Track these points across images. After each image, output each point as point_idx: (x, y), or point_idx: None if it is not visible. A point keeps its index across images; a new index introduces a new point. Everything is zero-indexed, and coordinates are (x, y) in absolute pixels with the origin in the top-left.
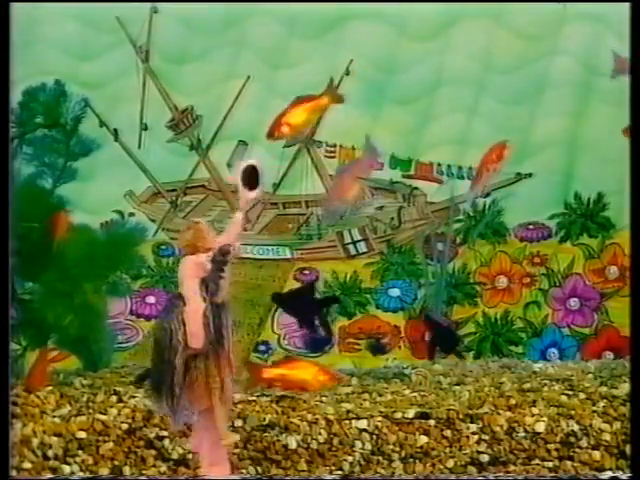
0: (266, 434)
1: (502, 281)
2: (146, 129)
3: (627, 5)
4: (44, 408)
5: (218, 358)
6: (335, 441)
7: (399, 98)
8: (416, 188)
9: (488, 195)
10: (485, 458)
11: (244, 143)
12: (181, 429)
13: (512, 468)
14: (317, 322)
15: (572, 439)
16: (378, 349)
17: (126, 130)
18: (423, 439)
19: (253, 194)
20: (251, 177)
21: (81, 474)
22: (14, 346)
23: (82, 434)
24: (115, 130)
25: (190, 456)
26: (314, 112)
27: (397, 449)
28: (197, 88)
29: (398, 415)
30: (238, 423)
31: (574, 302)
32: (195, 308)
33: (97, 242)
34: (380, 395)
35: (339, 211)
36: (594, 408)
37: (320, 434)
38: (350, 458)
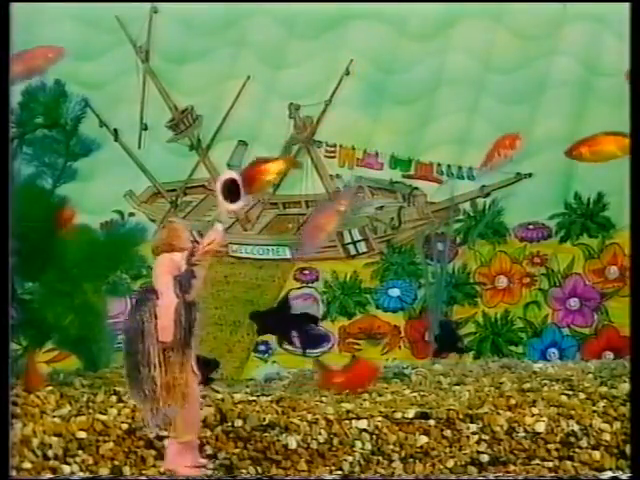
0: (266, 434)
1: (502, 281)
2: (146, 129)
3: (627, 5)
4: (44, 408)
5: (184, 355)
6: (335, 441)
7: (399, 98)
8: (416, 188)
9: (488, 195)
10: (485, 458)
11: (244, 143)
12: (158, 430)
13: (512, 468)
14: (296, 336)
15: (572, 439)
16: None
17: (126, 130)
18: (423, 439)
19: (234, 206)
20: (231, 190)
21: (81, 474)
22: (14, 346)
23: (82, 434)
24: (115, 130)
25: None
26: (271, 176)
27: (397, 449)
28: (197, 88)
29: (398, 415)
30: (238, 423)
31: (574, 302)
32: (168, 303)
33: (97, 242)
34: (380, 395)
35: (310, 250)
36: (594, 408)
37: (320, 434)
38: (350, 458)
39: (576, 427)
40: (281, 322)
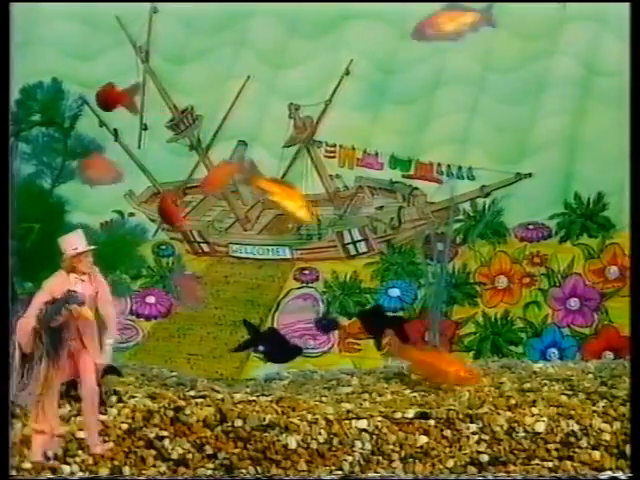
0: (266, 434)
1: (502, 281)
2: (146, 129)
3: (627, 5)
4: None
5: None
6: (335, 441)
7: (399, 98)
8: (416, 188)
9: (488, 195)
10: (485, 458)
11: (244, 143)
12: (23, 404)
13: (512, 468)
14: None
15: (572, 439)
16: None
17: (126, 130)
18: (423, 439)
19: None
20: None
21: (81, 474)
22: None
23: (82, 434)
24: (115, 130)
25: (190, 456)
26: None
27: (397, 449)
28: (197, 88)
29: (398, 415)
30: (238, 423)
31: (574, 302)
32: (25, 321)
33: (97, 242)
34: (380, 395)
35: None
36: (594, 408)
37: (320, 434)
38: (350, 458)
39: (576, 427)
40: None
